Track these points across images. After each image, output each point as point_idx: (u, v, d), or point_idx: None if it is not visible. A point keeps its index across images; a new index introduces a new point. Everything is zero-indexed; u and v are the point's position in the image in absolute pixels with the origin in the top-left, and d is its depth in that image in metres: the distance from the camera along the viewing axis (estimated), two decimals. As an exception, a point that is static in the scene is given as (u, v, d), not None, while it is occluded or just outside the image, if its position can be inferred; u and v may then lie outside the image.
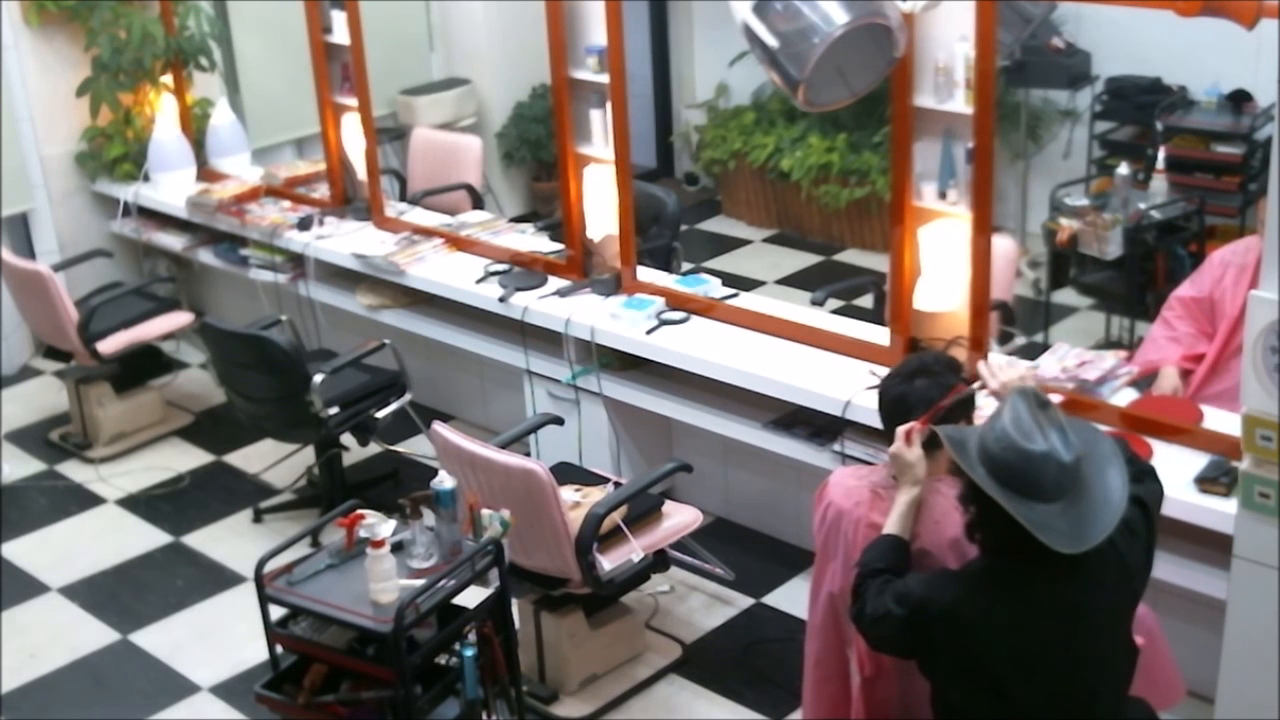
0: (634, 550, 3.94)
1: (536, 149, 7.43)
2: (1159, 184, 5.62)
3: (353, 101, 5.68)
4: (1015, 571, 2.74)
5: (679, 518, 4.12)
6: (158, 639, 4.60)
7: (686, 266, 5.58)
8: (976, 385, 3.15)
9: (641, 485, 4.04)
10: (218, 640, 4.55)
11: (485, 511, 3.59)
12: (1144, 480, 2.90)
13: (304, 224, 5.79)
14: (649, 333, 4.66)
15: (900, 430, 3.02)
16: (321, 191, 6.06)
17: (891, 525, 3.01)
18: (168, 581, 4.91)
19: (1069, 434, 2.68)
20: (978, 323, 4.02)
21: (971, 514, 2.77)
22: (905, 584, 2.84)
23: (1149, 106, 6.18)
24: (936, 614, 2.78)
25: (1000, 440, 2.68)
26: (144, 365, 5.93)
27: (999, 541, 2.74)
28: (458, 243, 5.46)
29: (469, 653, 3.47)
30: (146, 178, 6.42)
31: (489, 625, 3.55)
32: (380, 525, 3.53)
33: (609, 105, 4.73)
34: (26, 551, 5.14)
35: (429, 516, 3.54)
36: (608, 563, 3.89)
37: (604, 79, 4.71)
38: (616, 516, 3.93)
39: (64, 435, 5.92)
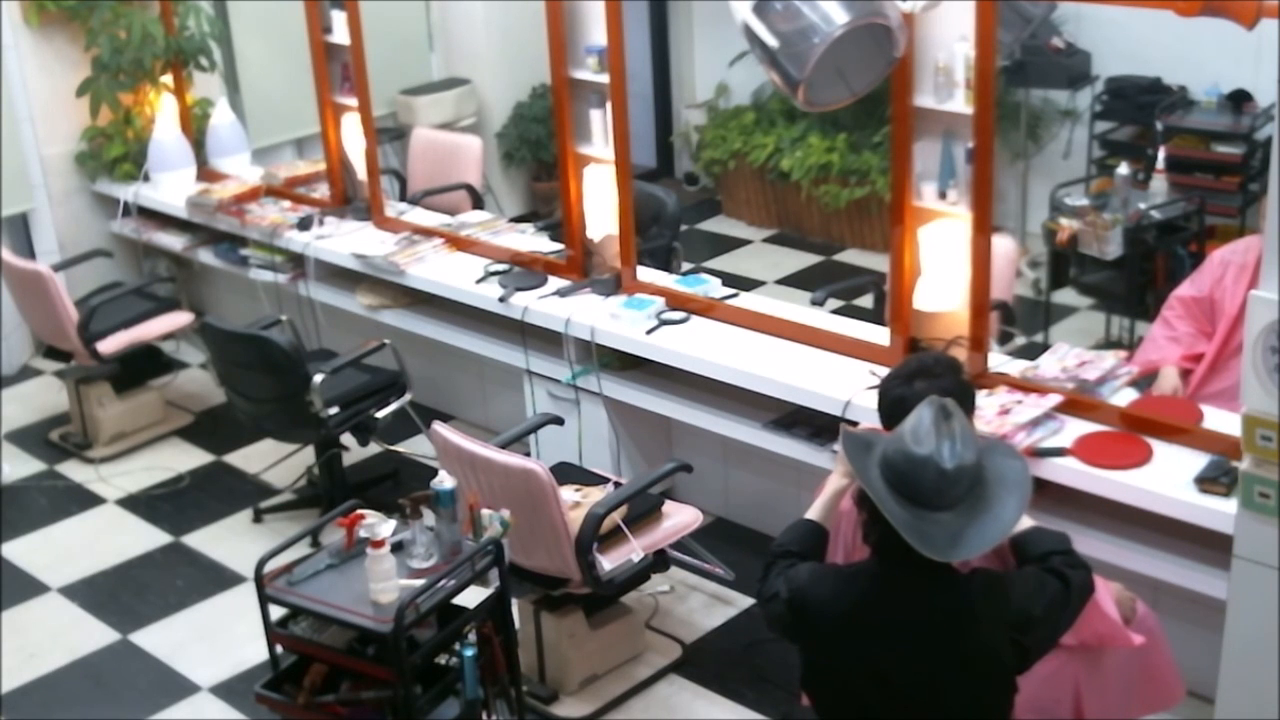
0: (634, 550, 3.94)
1: (536, 149, 7.43)
2: (1159, 184, 5.61)
3: (353, 101, 5.68)
4: (897, 579, 2.76)
5: (679, 518, 4.12)
6: (158, 639, 4.60)
7: (686, 266, 5.58)
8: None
9: (641, 485, 4.04)
10: (218, 640, 4.55)
11: (485, 511, 3.59)
12: (1077, 569, 2.85)
13: (304, 224, 5.79)
14: (649, 333, 4.65)
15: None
16: (321, 191, 6.05)
17: (813, 511, 3.05)
18: (168, 581, 4.91)
19: (959, 445, 2.66)
20: (978, 323, 4.02)
21: (864, 514, 2.80)
22: (798, 569, 2.87)
23: (1149, 106, 6.17)
24: (813, 604, 2.81)
25: (894, 443, 2.71)
26: (144, 365, 5.93)
27: (882, 543, 2.75)
28: (458, 243, 5.46)
29: (469, 653, 3.47)
30: (146, 178, 6.42)
31: (489, 625, 3.55)
32: (380, 525, 3.52)
33: (609, 105, 4.72)
34: (26, 551, 5.14)
35: (429, 516, 3.54)
36: (608, 563, 3.88)
37: (604, 79, 4.71)
38: (616, 516, 3.93)
39: (64, 435, 5.92)
